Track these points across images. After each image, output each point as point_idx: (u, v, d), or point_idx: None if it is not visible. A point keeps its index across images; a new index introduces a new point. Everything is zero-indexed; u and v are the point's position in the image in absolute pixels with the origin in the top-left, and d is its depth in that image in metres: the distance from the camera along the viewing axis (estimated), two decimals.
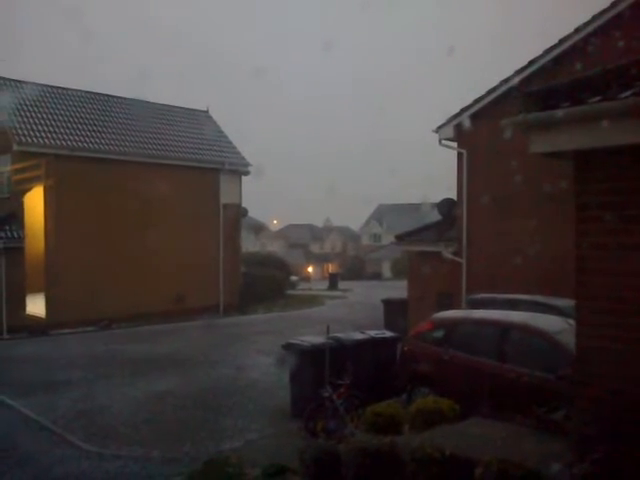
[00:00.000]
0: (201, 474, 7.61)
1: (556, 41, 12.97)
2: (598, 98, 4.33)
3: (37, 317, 20.75)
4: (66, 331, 20.25)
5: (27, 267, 20.71)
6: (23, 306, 20.56)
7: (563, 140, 4.68)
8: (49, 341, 19.19)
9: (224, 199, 26.16)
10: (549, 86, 4.76)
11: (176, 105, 28.21)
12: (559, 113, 4.47)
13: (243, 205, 27.74)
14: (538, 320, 8.86)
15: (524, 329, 8.78)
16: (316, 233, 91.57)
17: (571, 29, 12.70)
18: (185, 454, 8.72)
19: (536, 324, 8.68)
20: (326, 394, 8.89)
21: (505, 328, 8.92)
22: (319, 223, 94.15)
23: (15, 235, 20.53)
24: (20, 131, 21.22)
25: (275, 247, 68.83)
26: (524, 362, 8.32)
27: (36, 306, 20.98)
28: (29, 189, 21.34)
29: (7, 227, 20.61)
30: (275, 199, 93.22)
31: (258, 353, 16.14)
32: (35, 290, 20.88)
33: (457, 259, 14.90)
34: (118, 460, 8.54)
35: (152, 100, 26.90)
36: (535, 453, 5.52)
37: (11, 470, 8.14)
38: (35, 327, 20.05)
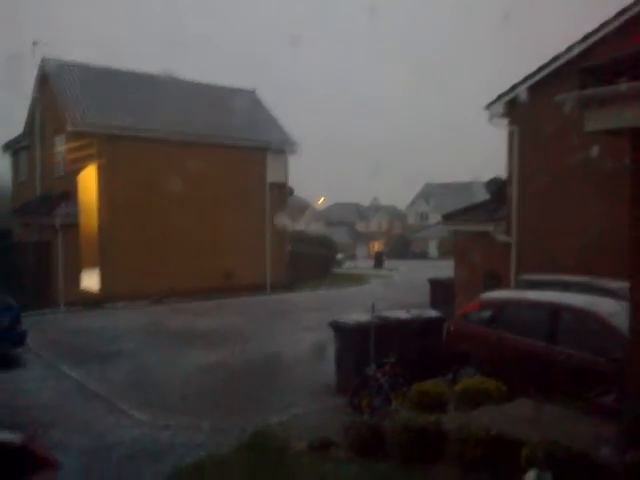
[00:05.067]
0: (248, 445, 7.83)
1: (613, 14, 12.39)
2: None
3: (91, 291, 21.54)
4: (119, 305, 20.99)
5: (81, 243, 21.45)
6: (78, 281, 21.33)
7: (620, 117, 4.53)
8: (103, 314, 19.91)
9: (270, 178, 26.29)
10: (607, 61, 4.60)
11: (223, 85, 28.38)
12: (618, 88, 4.32)
13: (289, 184, 27.84)
14: (590, 302, 8.66)
15: (576, 311, 8.60)
16: (362, 212, 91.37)
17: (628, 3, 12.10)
18: (233, 425, 8.93)
19: (588, 306, 8.48)
20: (371, 372, 8.95)
21: (556, 310, 8.76)
22: (366, 202, 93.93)
23: (70, 212, 21.23)
24: (73, 112, 21.81)
25: (321, 226, 68.96)
26: (575, 344, 8.18)
27: (91, 281, 21.75)
28: (82, 168, 21.95)
29: (63, 204, 21.35)
30: (321, 178, 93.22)
31: (305, 330, 16.32)
32: (89, 265, 21.65)
33: (507, 239, 14.62)
34: (168, 429, 8.83)
35: (200, 80, 27.16)
36: (584, 436, 5.44)
37: (68, 436, 8.54)
38: (90, 301, 20.83)
